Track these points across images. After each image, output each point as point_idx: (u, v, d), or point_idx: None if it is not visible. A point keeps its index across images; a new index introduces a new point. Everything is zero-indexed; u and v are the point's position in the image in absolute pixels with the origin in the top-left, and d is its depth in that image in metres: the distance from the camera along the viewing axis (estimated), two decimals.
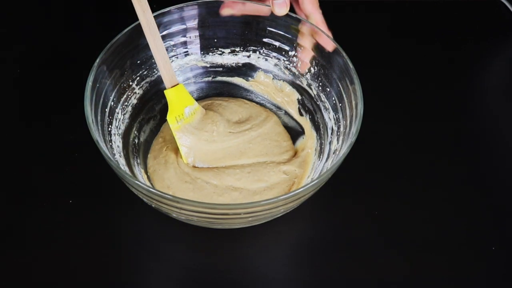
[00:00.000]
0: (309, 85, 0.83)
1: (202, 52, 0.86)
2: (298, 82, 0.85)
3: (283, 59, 0.84)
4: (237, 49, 0.86)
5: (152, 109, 0.84)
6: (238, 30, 0.84)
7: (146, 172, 0.80)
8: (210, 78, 0.88)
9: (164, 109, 0.82)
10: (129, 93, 0.81)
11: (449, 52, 0.97)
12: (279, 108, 0.87)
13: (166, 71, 0.77)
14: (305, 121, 0.84)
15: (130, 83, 0.81)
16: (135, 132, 0.81)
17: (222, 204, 0.74)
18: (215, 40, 0.84)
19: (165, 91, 0.79)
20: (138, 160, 0.80)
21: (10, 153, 0.82)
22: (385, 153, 0.83)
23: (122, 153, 0.77)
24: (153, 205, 0.70)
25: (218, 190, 0.76)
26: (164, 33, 0.81)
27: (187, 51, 0.85)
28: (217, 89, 0.88)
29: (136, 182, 0.66)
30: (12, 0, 1.00)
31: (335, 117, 0.78)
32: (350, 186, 0.80)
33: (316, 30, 0.78)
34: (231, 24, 0.83)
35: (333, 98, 0.79)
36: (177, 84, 0.79)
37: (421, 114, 0.88)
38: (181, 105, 0.80)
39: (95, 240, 0.74)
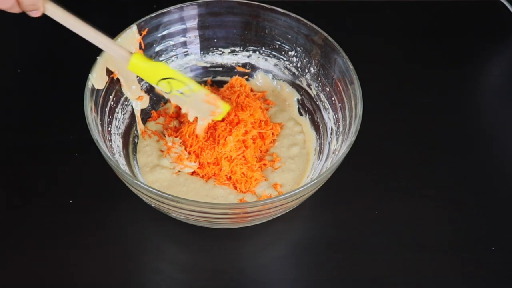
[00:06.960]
0: (308, 85, 0.83)
1: (202, 52, 0.86)
2: (298, 82, 0.84)
3: (283, 59, 0.84)
4: (237, 49, 0.86)
5: (152, 108, 0.84)
6: (238, 30, 0.84)
7: None
8: (210, 78, 0.88)
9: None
10: None
11: (449, 52, 0.97)
12: None
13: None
14: (304, 121, 0.84)
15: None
16: (135, 131, 0.81)
17: (222, 204, 0.74)
18: (215, 40, 0.84)
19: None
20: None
21: (10, 153, 0.82)
22: (385, 153, 0.83)
23: (122, 153, 0.77)
24: (152, 205, 0.70)
25: (211, 193, 0.76)
26: (164, 33, 0.81)
27: (187, 51, 0.85)
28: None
29: (136, 181, 0.66)
30: None
31: (334, 117, 0.78)
32: (350, 186, 0.80)
33: None
34: (231, 24, 0.83)
35: (333, 98, 0.79)
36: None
37: (421, 114, 0.88)
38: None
39: (95, 240, 0.74)
